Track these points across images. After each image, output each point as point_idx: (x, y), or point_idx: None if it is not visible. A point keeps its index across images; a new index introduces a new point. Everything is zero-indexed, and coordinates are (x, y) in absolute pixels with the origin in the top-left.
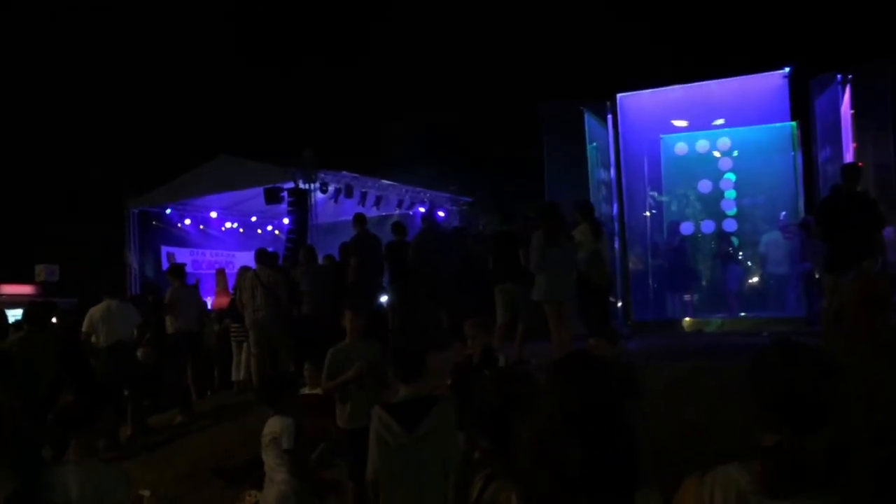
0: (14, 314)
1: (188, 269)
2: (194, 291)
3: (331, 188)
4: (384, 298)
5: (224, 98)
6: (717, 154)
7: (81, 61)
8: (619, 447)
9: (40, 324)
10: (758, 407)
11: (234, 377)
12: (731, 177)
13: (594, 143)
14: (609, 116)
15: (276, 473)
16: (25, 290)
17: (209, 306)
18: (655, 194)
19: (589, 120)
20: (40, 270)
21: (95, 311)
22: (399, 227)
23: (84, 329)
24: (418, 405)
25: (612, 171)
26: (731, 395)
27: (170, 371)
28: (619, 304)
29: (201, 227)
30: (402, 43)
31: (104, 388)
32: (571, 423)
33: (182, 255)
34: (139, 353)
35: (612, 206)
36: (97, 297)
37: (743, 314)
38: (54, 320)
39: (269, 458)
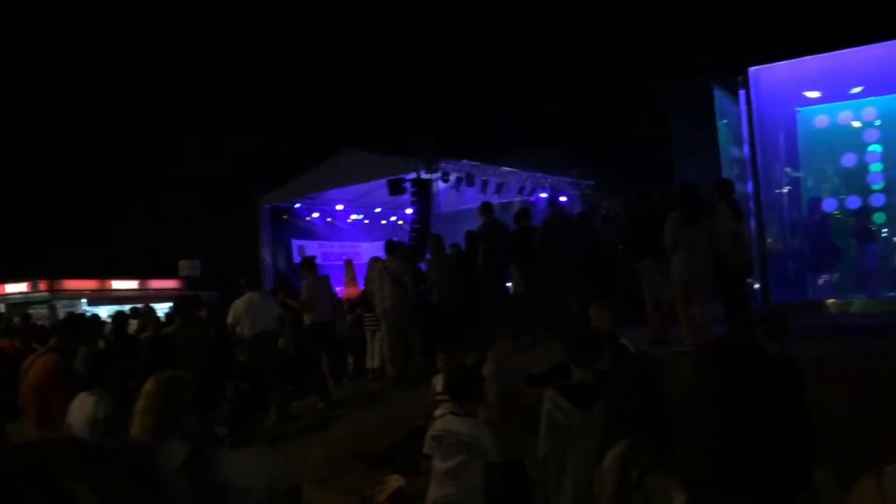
0: (160, 308)
1: (317, 261)
2: (326, 283)
3: (452, 177)
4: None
5: (348, 92)
6: (860, 125)
7: (214, 61)
8: (789, 433)
9: (189, 315)
10: None
11: (368, 365)
12: (876, 148)
13: (725, 120)
14: (741, 92)
15: (456, 479)
16: (171, 284)
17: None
18: (791, 170)
19: (719, 96)
20: (183, 266)
21: (239, 304)
22: (525, 213)
23: (229, 320)
24: (591, 388)
25: (746, 148)
26: (886, 378)
27: (307, 360)
28: (758, 286)
29: (328, 219)
30: (519, 24)
31: (264, 377)
32: (739, 410)
33: (311, 248)
34: (280, 343)
35: (746, 185)
36: (236, 289)
37: (893, 294)
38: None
39: (449, 460)
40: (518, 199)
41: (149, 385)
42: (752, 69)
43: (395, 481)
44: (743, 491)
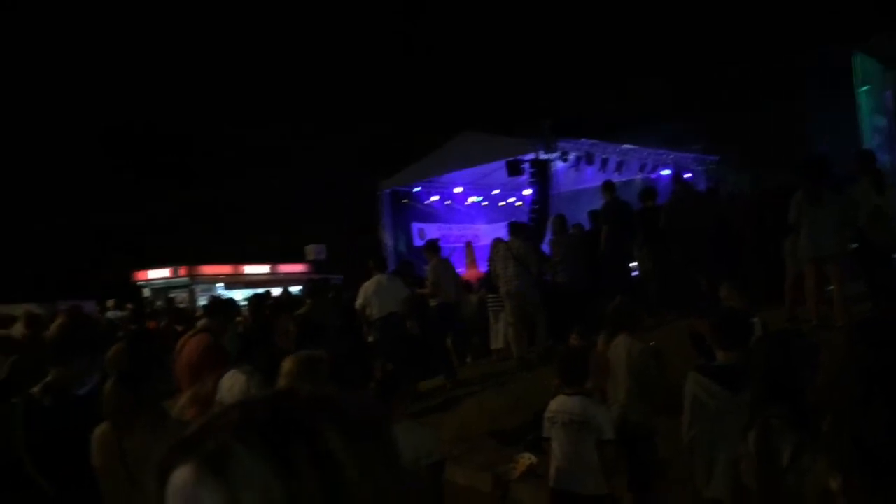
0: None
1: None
2: (450, 265)
3: (571, 156)
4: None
5: (465, 74)
6: None
7: (337, 48)
8: None
9: (321, 297)
10: None
11: (492, 346)
12: None
13: (866, 87)
14: (886, 55)
15: (571, 457)
16: (298, 268)
17: None
18: None
19: (861, 61)
20: (310, 250)
21: (368, 286)
22: (650, 192)
23: (359, 302)
24: (739, 369)
25: (890, 117)
26: None
27: (432, 341)
28: None
29: (447, 202)
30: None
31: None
32: (883, 392)
33: (431, 231)
34: (408, 324)
35: (890, 155)
36: (359, 273)
37: None
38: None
39: (563, 439)
40: (639, 176)
41: (287, 364)
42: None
43: (527, 459)
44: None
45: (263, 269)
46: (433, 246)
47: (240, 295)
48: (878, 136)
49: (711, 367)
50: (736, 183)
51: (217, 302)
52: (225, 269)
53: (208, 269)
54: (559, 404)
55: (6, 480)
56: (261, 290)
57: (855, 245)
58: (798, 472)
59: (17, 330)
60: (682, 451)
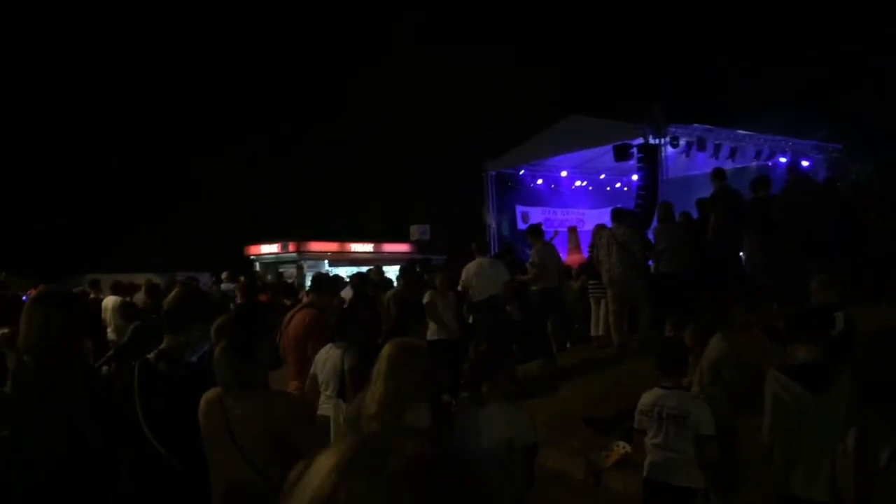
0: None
1: (542, 227)
2: (553, 249)
3: (682, 142)
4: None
5: (573, 57)
6: None
7: (448, 31)
8: None
9: (412, 277)
10: None
11: (592, 332)
12: None
13: None
14: None
15: (668, 451)
16: (403, 248)
17: None
18: None
19: None
20: (414, 230)
21: (470, 268)
22: (763, 181)
23: (461, 285)
24: (821, 367)
25: None
26: None
27: (533, 325)
28: None
29: (552, 186)
30: None
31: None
32: None
33: (535, 214)
34: (508, 308)
35: None
36: (463, 253)
37: None
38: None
39: (659, 433)
40: (754, 164)
41: (388, 349)
42: None
43: (622, 448)
44: None
45: (368, 247)
46: (536, 230)
47: (344, 272)
48: None
49: (792, 366)
50: (859, 173)
51: (322, 278)
52: (331, 247)
53: (315, 246)
54: (656, 397)
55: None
56: (364, 269)
57: None
58: (893, 474)
59: (139, 298)
60: (760, 451)
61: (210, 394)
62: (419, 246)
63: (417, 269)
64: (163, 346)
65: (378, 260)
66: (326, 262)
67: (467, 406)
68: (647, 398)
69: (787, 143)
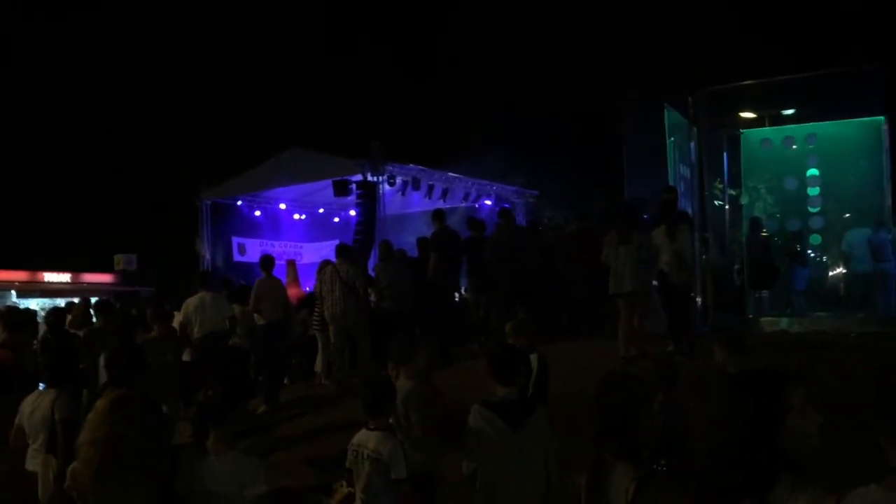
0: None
1: (256, 259)
2: (280, 283)
3: (398, 180)
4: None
5: (295, 92)
6: (800, 149)
7: (156, 55)
8: (774, 451)
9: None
10: (890, 425)
11: (316, 368)
12: (815, 173)
13: (672, 138)
14: (690, 111)
15: (366, 493)
16: (105, 278)
17: None
18: (732, 192)
19: (669, 115)
20: (119, 260)
21: (191, 303)
22: (477, 222)
23: (181, 320)
24: (518, 405)
25: (692, 168)
26: (828, 397)
27: (257, 362)
28: (700, 302)
29: (271, 218)
30: (470, 34)
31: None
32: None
33: (252, 246)
34: (230, 343)
35: (691, 203)
36: (172, 285)
37: (825, 314)
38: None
39: (361, 475)
40: (463, 205)
41: (101, 403)
42: (701, 90)
43: (345, 489)
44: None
45: (64, 277)
46: (265, 262)
47: (36, 304)
48: (682, 185)
49: (494, 402)
50: (552, 217)
51: (16, 313)
52: (19, 276)
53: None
54: (359, 438)
55: None
56: (61, 301)
57: (656, 284)
58: None
59: None
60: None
61: None
62: (124, 277)
63: (118, 305)
64: None
65: (77, 291)
66: (14, 293)
67: (192, 456)
68: (354, 439)
69: (491, 186)
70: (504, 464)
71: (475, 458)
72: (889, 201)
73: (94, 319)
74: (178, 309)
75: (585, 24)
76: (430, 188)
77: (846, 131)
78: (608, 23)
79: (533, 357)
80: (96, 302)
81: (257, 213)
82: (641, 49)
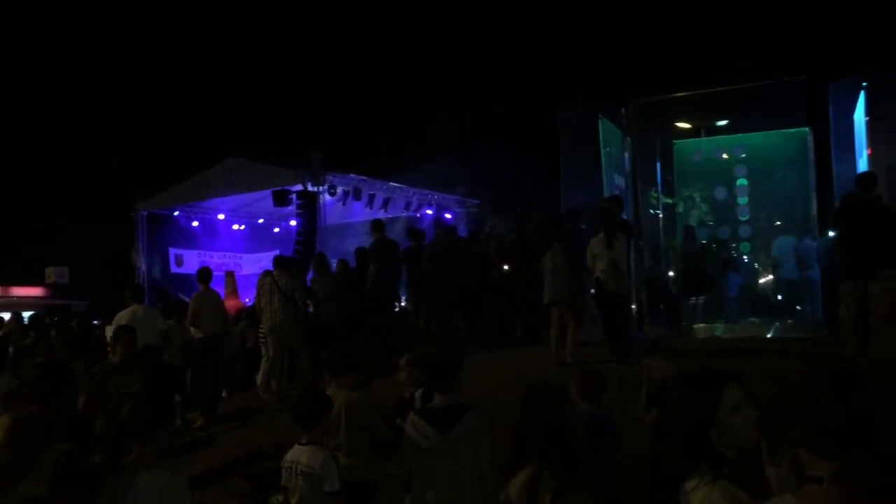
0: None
1: (194, 271)
2: (217, 296)
3: (339, 190)
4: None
5: (233, 102)
6: (730, 159)
7: (88, 64)
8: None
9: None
10: (806, 436)
11: (258, 380)
12: (744, 182)
13: (608, 149)
14: (623, 122)
15: None
16: (35, 292)
17: None
18: (669, 200)
19: (604, 125)
20: (50, 273)
21: (123, 316)
22: (415, 232)
23: (110, 335)
24: (451, 411)
25: (626, 178)
26: (753, 403)
27: (193, 373)
28: (635, 310)
29: (209, 229)
30: (411, 41)
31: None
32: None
33: (190, 257)
34: (164, 357)
35: (626, 212)
36: (107, 298)
37: (756, 319)
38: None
39: (295, 491)
40: (405, 214)
41: (3, 422)
42: (634, 101)
43: (277, 502)
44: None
45: None
46: (203, 275)
47: None
48: (617, 194)
49: (427, 409)
50: (494, 226)
51: None
52: None
53: None
54: (292, 454)
55: None
56: None
57: (593, 292)
58: None
59: None
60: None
61: None
62: (56, 290)
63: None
64: None
65: (6, 305)
66: None
67: (116, 473)
68: (287, 455)
69: (432, 196)
70: (433, 468)
71: (407, 465)
72: (815, 210)
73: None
74: (111, 323)
75: (527, 31)
76: (371, 198)
77: (775, 142)
78: (549, 31)
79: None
80: (30, 317)
81: (195, 223)
82: (579, 60)
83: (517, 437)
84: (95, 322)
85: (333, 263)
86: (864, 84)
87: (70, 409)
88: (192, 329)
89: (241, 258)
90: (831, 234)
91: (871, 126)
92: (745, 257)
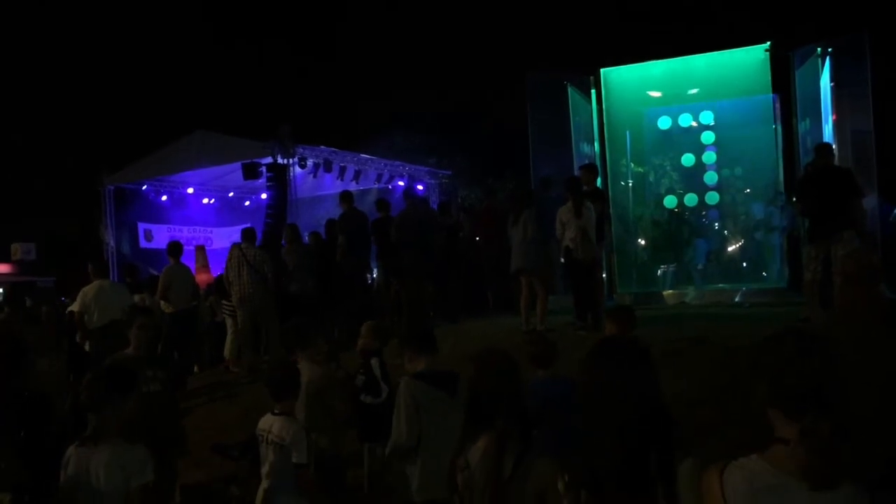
0: None
1: (164, 245)
2: (188, 270)
3: (309, 163)
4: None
5: (201, 74)
6: (698, 127)
7: (52, 38)
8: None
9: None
10: (771, 396)
11: (225, 354)
12: (712, 150)
13: (577, 118)
14: (592, 91)
15: (270, 478)
16: (2, 269)
17: None
18: (637, 168)
19: (572, 94)
20: (16, 249)
21: (88, 291)
22: (383, 203)
23: (77, 309)
24: (451, 375)
25: (596, 146)
26: (718, 366)
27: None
28: (605, 277)
29: (178, 203)
30: (381, 14)
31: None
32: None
33: (159, 232)
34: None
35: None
36: (75, 275)
37: (724, 285)
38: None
39: (266, 460)
40: (376, 186)
41: None
42: (603, 70)
43: (236, 491)
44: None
45: None
46: (173, 249)
47: None
48: (587, 162)
49: (423, 373)
50: (466, 197)
51: None
52: None
53: None
54: (263, 423)
55: None
56: None
57: (563, 260)
58: (520, 478)
59: None
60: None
61: None
62: (22, 267)
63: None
64: None
65: None
66: None
67: (77, 448)
68: (260, 423)
69: (404, 167)
70: (449, 430)
71: (415, 430)
72: (781, 177)
73: None
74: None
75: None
76: (342, 170)
77: (742, 109)
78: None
79: (374, 361)
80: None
81: (164, 197)
82: (547, 28)
83: (472, 401)
84: (63, 299)
85: (305, 237)
86: (830, 50)
87: (25, 383)
88: (162, 303)
89: (211, 232)
90: (795, 200)
91: (835, 92)
92: (712, 224)
